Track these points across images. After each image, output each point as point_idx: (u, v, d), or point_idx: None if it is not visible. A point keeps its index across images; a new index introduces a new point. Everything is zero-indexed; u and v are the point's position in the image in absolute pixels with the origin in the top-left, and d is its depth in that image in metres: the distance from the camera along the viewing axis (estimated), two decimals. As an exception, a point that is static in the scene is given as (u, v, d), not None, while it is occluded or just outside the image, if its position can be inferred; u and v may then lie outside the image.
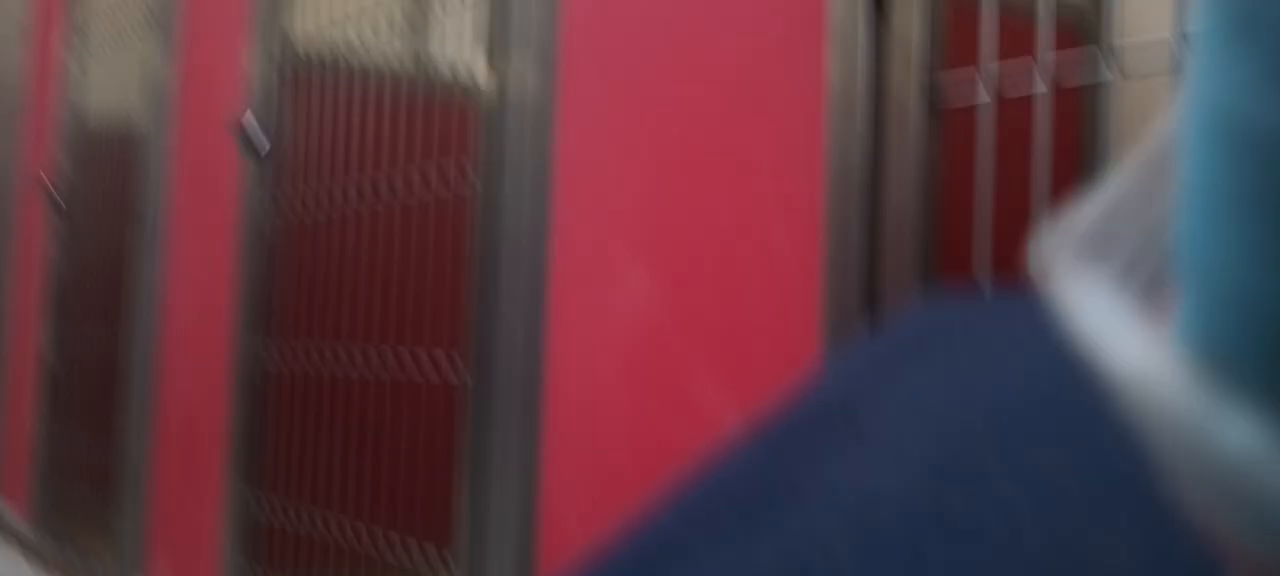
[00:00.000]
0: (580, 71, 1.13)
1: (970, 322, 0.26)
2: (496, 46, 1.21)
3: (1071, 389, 0.21)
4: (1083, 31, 0.91)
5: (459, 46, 1.37)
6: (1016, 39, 0.78)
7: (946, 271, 0.80)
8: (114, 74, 2.24)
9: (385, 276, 1.38)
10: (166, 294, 1.95)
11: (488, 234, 1.20)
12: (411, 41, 1.43)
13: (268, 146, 1.61)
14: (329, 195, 1.51)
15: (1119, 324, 0.12)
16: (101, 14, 2.33)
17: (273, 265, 1.62)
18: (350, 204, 1.47)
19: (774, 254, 0.92)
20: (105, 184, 2.20)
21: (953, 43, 0.82)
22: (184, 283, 1.91)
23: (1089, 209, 0.15)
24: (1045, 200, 0.72)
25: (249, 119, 1.62)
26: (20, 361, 2.58)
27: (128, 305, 2.05)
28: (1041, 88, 0.74)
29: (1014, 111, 0.77)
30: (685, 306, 1.00)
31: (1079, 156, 0.98)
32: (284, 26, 1.63)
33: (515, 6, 1.19)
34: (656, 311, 1.02)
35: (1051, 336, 0.26)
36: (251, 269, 1.65)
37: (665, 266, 1.02)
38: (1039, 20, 0.74)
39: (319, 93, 1.55)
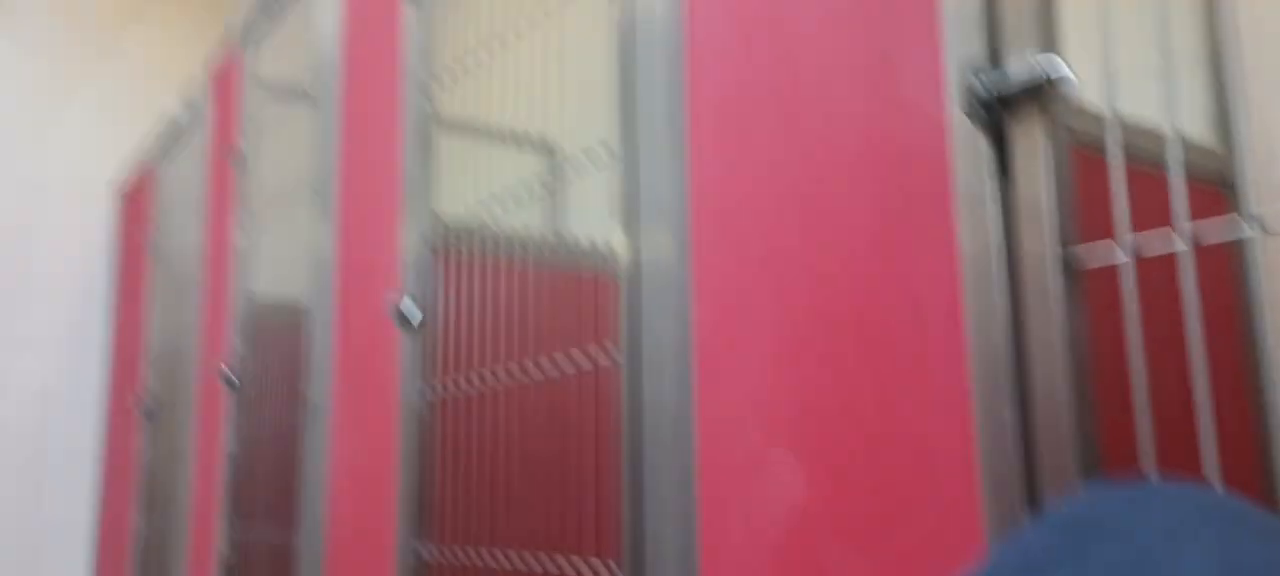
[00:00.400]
0: (710, 241, 1.16)
1: (1130, 517, 0.26)
2: (630, 216, 1.25)
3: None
4: (1218, 180, 0.89)
5: (594, 218, 1.42)
6: (1149, 194, 0.78)
7: (1104, 444, 0.78)
8: (278, 250, 2.39)
9: (534, 464, 1.41)
10: (331, 486, 2.01)
11: (633, 417, 1.21)
12: (551, 216, 1.50)
13: (420, 319, 1.69)
14: (478, 372, 1.57)
15: None
16: (267, 191, 2.50)
17: (428, 455, 1.67)
18: (499, 380, 1.52)
19: (921, 436, 0.90)
20: (273, 362, 2.32)
21: (1083, 202, 0.82)
22: (347, 473, 1.97)
23: None
24: (1201, 359, 0.70)
25: (406, 301, 1.71)
26: (199, 565, 2.64)
27: (297, 497, 2.12)
28: (1181, 245, 0.73)
29: (1155, 272, 0.76)
30: (835, 496, 0.98)
31: (1229, 315, 0.95)
32: (433, 205, 1.73)
33: (645, 175, 1.24)
34: (806, 502, 1.01)
35: (1211, 533, 0.25)
36: (409, 461, 1.70)
37: (810, 451, 1.01)
38: (1171, 173, 0.74)
39: (466, 268, 1.63)
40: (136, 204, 3.78)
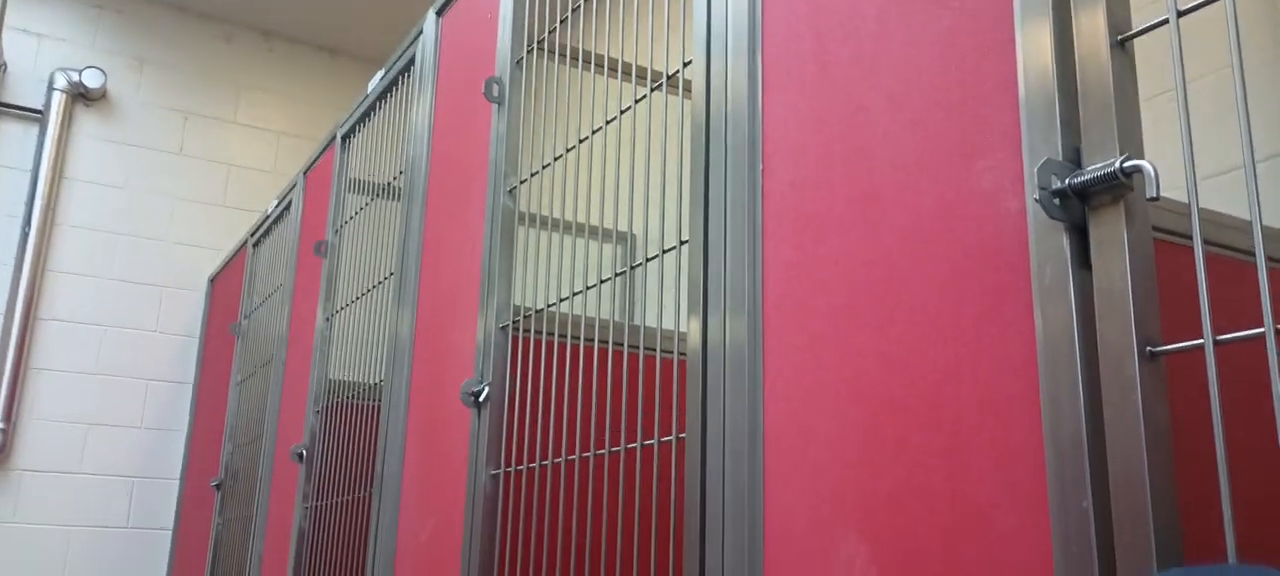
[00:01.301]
0: (783, 328, 1.16)
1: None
2: (702, 302, 1.26)
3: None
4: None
5: (665, 303, 1.44)
6: (1228, 281, 0.77)
7: (1185, 533, 0.76)
8: (356, 334, 2.46)
9: (599, 543, 1.41)
10: (398, 560, 2.02)
11: (700, 500, 1.21)
12: (624, 300, 1.52)
13: (490, 399, 1.71)
14: (546, 452, 1.58)
15: None
16: (350, 278, 2.59)
17: (494, 531, 1.67)
18: (566, 460, 1.52)
19: (996, 526, 0.89)
20: (345, 441, 2.37)
21: (1164, 289, 0.81)
22: (413, 548, 1.98)
23: None
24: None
25: (478, 382, 1.74)
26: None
27: (363, 572, 2.13)
28: (1266, 331, 0.71)
29: (1238, 358, 0.74)
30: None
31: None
32: (510, 291, 1.77)
33: (718, 263, 1.25)
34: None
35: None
36: (475, 538, 1.71)
37: (881, 539, 1.00)
38: (1257, 259, 0.73)
39: (538, 351, 1.66)
40: (225, 292, 3.92)
